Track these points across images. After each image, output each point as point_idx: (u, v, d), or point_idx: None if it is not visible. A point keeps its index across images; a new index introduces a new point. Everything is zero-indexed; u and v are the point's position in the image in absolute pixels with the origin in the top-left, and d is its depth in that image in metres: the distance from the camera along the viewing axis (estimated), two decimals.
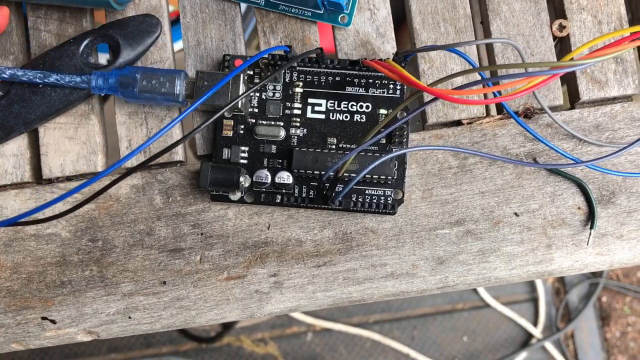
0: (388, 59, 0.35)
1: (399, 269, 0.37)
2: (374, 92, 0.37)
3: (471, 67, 0.33)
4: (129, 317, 0.37)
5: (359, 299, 0.37)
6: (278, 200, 0.36)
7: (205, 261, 0.37)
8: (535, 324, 1.19)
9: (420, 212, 0.37)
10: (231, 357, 1.13)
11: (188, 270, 0.37)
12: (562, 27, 0.37)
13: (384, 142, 0.36)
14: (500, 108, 0.38)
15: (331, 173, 0.35)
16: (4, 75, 0.36)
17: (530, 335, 1.19)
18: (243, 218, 0.37)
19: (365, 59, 0.35)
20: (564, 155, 0.36)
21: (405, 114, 0.35)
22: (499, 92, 0.34)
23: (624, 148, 0.35)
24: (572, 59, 0.29)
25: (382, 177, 0.35)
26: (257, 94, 0.37)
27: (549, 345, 1.17)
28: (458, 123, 0.38)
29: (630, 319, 1.24)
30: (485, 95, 0.37)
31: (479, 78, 0.35)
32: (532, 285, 1.22)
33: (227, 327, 1.04)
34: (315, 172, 0.35)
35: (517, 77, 0.29)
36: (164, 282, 0.37)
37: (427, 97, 0.37)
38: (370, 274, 0.37)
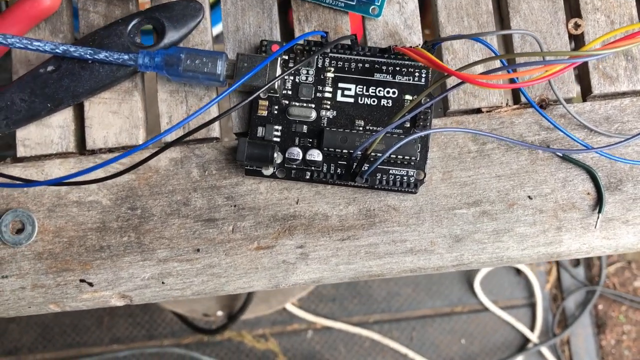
0: (418, 46, 0.38)
1: (418, 245, 0.40)
2: (400, 79, 0.39)
3: (493, 56, 0.36)
4: (162, 283, 0.40)
5: (379, 273, 0.40)
6: (308, 177, 0.39)
7: (237, 231, 0.40)
8: (532, 328, 1.21)
9: (440, 193, 0.40)
10: (232, 352, 1.15)
11: (221, 239, 0.40)
12: (577, 26, 0.40)
13: (409, 126, 0.39)
14: (517, 98, 0.40)
15: (359, 152, 0.37)
16: (57, 50, 0.38)
17: (527, 340, 1.21)
18: (274, 192, 0.40)
19: (397, 46, 0.38)
20: (577, 141, 0.38)
21: (429, 100, 0.37)
22: (517, 80, 0.37)
23: (631, 138, 0.37)
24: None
25: (406, 157, 0.38)
26: (291, 78, 0.40)
27: (545, 351, 1.19)
28: (478, 111, 0.40)
29: (626, 327, 1.27)
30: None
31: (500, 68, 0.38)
32: (530, 291, 1.24)
33: (231, 319, 1.06)
34: (344, 150, 0.38)
35: (536, 65, 0.31)
36: (198, 250, 0.40)
37: (450, 84, 0.40)
38: (391, 249, 0.40)
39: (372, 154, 0.37)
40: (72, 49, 0.38)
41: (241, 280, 0.40)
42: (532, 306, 1.23)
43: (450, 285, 1.25)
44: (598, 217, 0.39)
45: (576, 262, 1.27)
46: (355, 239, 0.40)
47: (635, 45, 0.32)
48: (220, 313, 1.06)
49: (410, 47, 0.37)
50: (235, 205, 0.40)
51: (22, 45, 0.38)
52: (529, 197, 0.39)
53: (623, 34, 0.36)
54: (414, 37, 0.40)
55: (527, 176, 0.40)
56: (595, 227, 0.39)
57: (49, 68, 0.39)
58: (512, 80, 0.36)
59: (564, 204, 0.39)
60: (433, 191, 0.40)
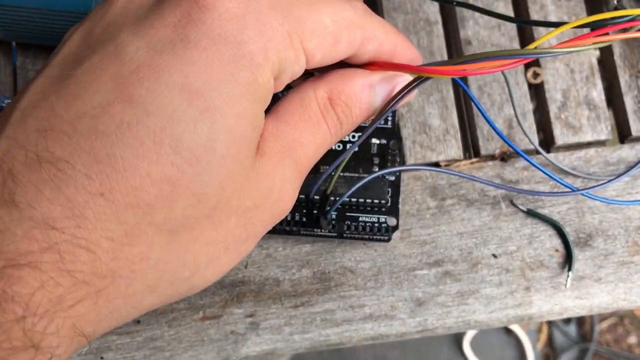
0: None
1: (378, 311, 0.37)
2: (366, 123, 0.37)
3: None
4: (101, 358, 0.36)
5: (337, 342, 0.37)
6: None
7: (181, 300, 0.37)
8: None
9: (398, 252, 0.37)
10: None
11: (163, 309, 0.37)
12: (536, 75, 0.39)
13: (377, 170, 0.36)
14: (477, 151, 0.38)
15: (319, 188, 0.34)
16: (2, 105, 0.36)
17: None
18: None
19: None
20: (564, 184, 0.36)
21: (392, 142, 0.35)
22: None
23: (610, 180, 0.35)
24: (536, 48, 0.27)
25: (375, 201, 0.35)
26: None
27: None
28: (436, 165, 0.38)
29: None
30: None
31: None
32: (521, 350, 1.20)
33: None
34: (309, 197, 0.35)
35: (500, 58, 0.27)
36: (138, 321, 0.37)
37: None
38: (349, 316, 0.37)
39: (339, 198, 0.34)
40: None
41: (187, 354, 0.37)
42: None
43: (438, 347, 1.21)
44: (568, 276, 0.36)
45: (567, 319, 1.23)
46: (309, 305, 0.37)
47: (592, 46, 0.27)
48: None
49: None
50: None
51: None
52: (493, 255, 0.37)
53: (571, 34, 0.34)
54: None
55: (491, 233, 0.37)
56: (566, 286, 0.36)
57: None
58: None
59: (531, 262, 0.37)
60: (391, 251, 0.37)
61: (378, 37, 0.26)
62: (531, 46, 0.25)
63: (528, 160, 0.35)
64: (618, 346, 1.23)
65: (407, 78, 0.28)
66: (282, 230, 0.36)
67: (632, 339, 1.23)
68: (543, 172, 0.35)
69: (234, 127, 0.22)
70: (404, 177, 0.38)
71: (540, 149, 0.37)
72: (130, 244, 0.21)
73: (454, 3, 0.35)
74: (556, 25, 0.35)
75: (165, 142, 0.20)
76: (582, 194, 0.35)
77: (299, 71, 0.24)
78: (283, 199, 0.25)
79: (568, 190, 0.35)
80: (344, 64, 0.28)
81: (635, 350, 1.22)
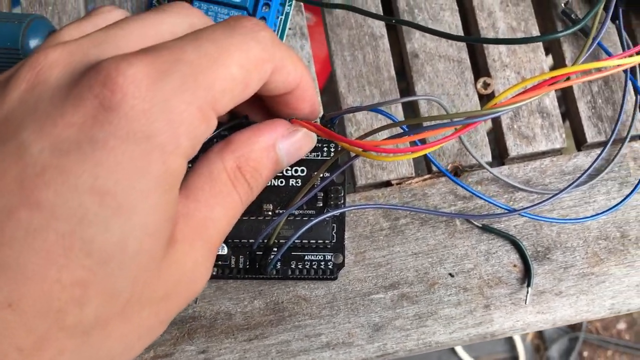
0: (315, 121, 0.35)
1: (335, 339, 0.36)
2: (307, 156, 0.36)
3: (391, 122, 0.32)
4: None
5: None
6: (214, 273, 0.35)
7: None
8: None
9: (353, 277, 0.36)
10: None
11: None
12: (486, 85, 0.38)
13: (321, 205, 0.35)
14: (429, 167, 0.37)
15: (262, 240, 0.33)
16: None
17: None
18: None
19: (295, 119, 0.35)
20: (500, 206, 0.35)
21: (328, 175, 0.34)
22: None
23: (555, 195, 0.34)
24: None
25: (319, 241, 0.34)
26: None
27: None
28: (387, 184, 0.37)
29: None
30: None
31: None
32: (511, 344, 1.19)
33: None
34: (251, 240, 0.34)
35: (440, 127, 0.28)
36: None
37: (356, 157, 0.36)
38: (305, 346, 0.36)
39: (282, 240, 0.34)
40: None
41: None
42: None
43: None
44: (528, 292, 0.35)
45: None
46: (263, 337, 0.36)
47: (541, 96, 0.29)
48: None
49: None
50: None
51: None
52: (450, 274, 0.36)
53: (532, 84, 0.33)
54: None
55: (446, 251, 0.36)
56: (525, 302, 0.35)
57: None
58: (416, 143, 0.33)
59: (489, 280, 0.36)
60: (346, 276, 0.36)
61: (286, 66, 0.25)
62: (488, 106, 0.24)
63: (465, 188, 0.33)
64: (607, 333, 1.22)
65: (309, 132, 0.28)
66: (224, 276, 0.35)
67: (621, 325, 1.23)
68: (479, 196, 0.33)
69: (147, 221, 0.21)
70: (356, 197, 0.37)
71: (485, 165, 0.36)
72: (40, 352, 0.20)
73: (393, 21, 0.34)
74: (503, 42, 0.34)
75: (76, 246, 0.19)
76: (520, 214, 0.34)
77: (210, 133, 0.23)
78: (195, 281, 0.24)
79: (507, 211, 0.34)
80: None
81: (624, 336, 1.22)
